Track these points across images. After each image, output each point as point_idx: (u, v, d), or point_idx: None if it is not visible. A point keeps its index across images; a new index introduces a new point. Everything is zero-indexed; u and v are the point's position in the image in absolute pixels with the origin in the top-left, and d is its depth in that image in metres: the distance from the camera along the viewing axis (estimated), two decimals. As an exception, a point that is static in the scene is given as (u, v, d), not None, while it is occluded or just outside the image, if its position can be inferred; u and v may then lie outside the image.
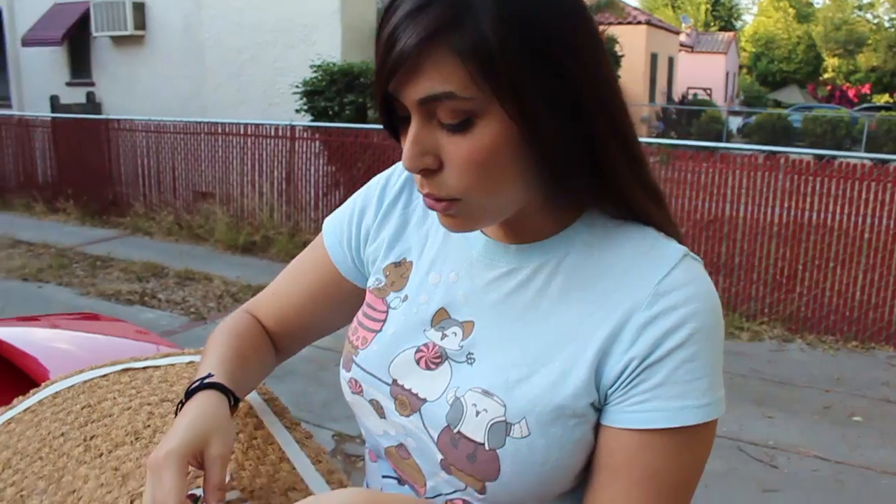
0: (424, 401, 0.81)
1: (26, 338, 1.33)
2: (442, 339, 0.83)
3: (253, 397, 1.04)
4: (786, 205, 5.68)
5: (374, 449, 0.92)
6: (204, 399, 0.83)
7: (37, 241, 7.85)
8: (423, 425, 0.81)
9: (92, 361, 1.14)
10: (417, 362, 0.83)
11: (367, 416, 0.89)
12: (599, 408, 0.78)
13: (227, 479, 0.86)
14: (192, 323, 5.47)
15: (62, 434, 0.97)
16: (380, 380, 0.86)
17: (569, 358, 0.77)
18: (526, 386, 0.77)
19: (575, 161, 0.75)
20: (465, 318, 0.83)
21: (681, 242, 0.82)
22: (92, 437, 0.94)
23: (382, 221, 0.95)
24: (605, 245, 0.81)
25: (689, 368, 0.75)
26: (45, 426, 1.00)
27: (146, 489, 0.75)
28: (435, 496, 0.83)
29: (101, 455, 0.91)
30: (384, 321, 0.89)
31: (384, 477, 0.91)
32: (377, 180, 0.98)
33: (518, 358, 0.79)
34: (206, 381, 0.85)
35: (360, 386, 0.88)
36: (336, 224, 1.00)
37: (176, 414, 0.84)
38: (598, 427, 0.79)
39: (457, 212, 0.77)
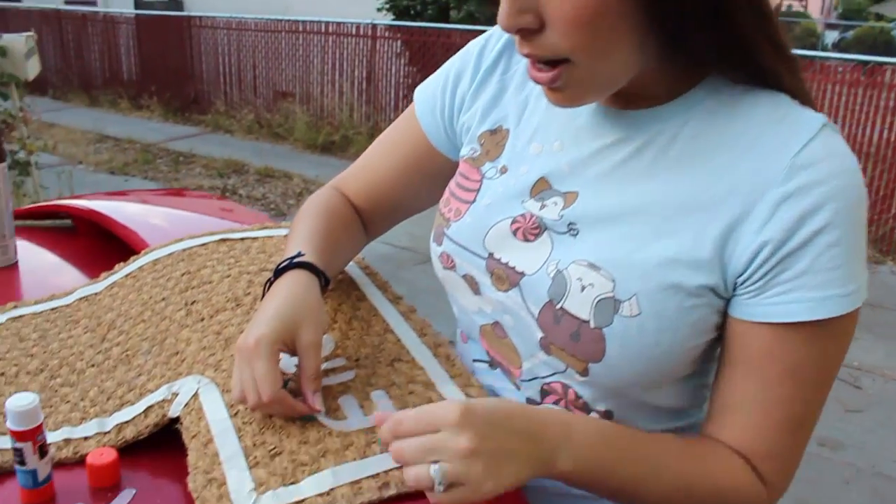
0: (523, 274, 0.76)
1: (122, 210, 1.33)
2: (541, 209, 0.77)
3: (354, 270, 1.00)
4: (887, 122, 5.31)
5: (467, 329, 0.87)
6: (294, 280, 0.79)
7: (122, 136, 8.04)
8: (523, 300, 0.76)
9: (187, 233, 1.12)
10: (514, 234, 0.78)
11: (460, 293, 0.84)
12: (725, 296, 0.71)
13: (332, 347, 0.84)
14: (271, 220, 5.55)
15: (163, 299, 0.95)
16: (474, 253, 0.81)
17: (687, 232, 0.70)
18: (638, 260, 0.71)
19: (692, 13, 0.65)
20: (569, 188, 0.77)
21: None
22: (193, 303, 0.93)
23: (479, 88, 0.88)
24: (730, 112, 0.72)
25: (832, 255, 0.67)
26: (146, 291, 0.99)
27: (234, 373, 0.72)
28: (530, 379, 0.79)
29: (202, 319, 0.89)
30: (478, 191, 0.83)
31: (475, 361, 0.87)
32: (474, 44, 0.90)
33: (628, 230, 0.72)
34: (297, 259, 0.81)
35: (452, 261, 0.83)
36: (428, 93, 0.94)
37: (264, 292, 0.81)
38: (719, 314, 0.72)
39: (564, 83, 0.68)
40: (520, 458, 0.65)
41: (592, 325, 0.71)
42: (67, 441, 0.76)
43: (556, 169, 0.78)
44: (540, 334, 0.75)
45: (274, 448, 0.69)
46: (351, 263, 1.01)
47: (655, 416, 0.79)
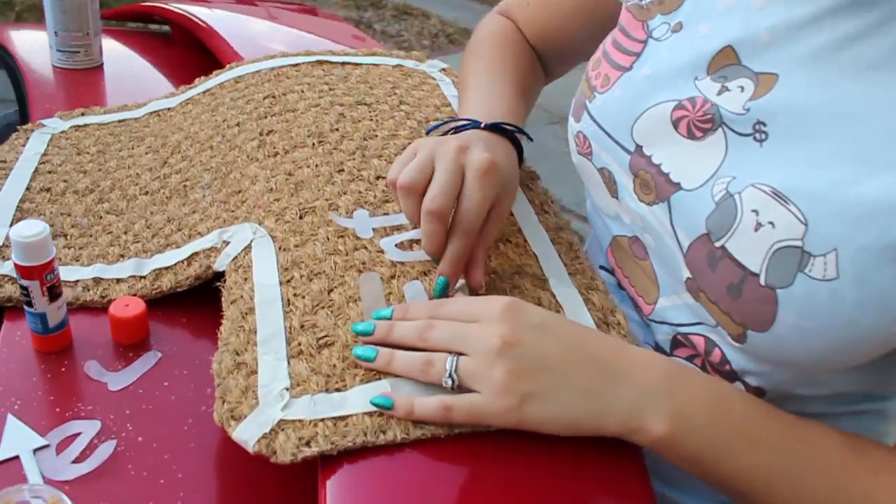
0: (678, 186, 0.53)
1: (223, 20, 1.16)
2: (719, 93, 0.52)
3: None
4: None
5: (599, 231, 0.66)
6: (497, 144, 0.62)
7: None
8: (671, 223, 0.53)
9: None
10: (675, 124, 0.54)
11: (595, 188, 0.63)
12: None
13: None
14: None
15: (238, 124, 0.79)
16: (617, 142, 0.58)
17: None
18: (850, 198, 0.45)
19: None
20: (765, 67, 0.51)
21: None
22: (269, 133, 0.76)
23: None
24: None
25: None
26: (221, 112, 0.83)
27: (443, 155, 0.56)
28: (663, 322, 0.58)
29: (275, 154, 0.72)
30: (639, 55, 0.59)
31: (600, 268, 0.66)
32: None
33: (843, 150, 0.46)
34: (504, 125, 0.64)
35: (588, 145, 0.61)
36: None
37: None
38: None
39: None
40: (578, 391, 0.46)
41: (763, 280, 0.47)
42: (97, 281, 0.63)
43: (752, 36, 0.52)
44: (686, 274, 0.53)
45: (325, 336, 0.52)
46: None
47: (824, 398, 0.56)
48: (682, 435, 0.46)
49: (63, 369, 0.57)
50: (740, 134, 0.50)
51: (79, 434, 0.52)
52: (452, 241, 0.54)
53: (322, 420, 0.46)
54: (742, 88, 0.51)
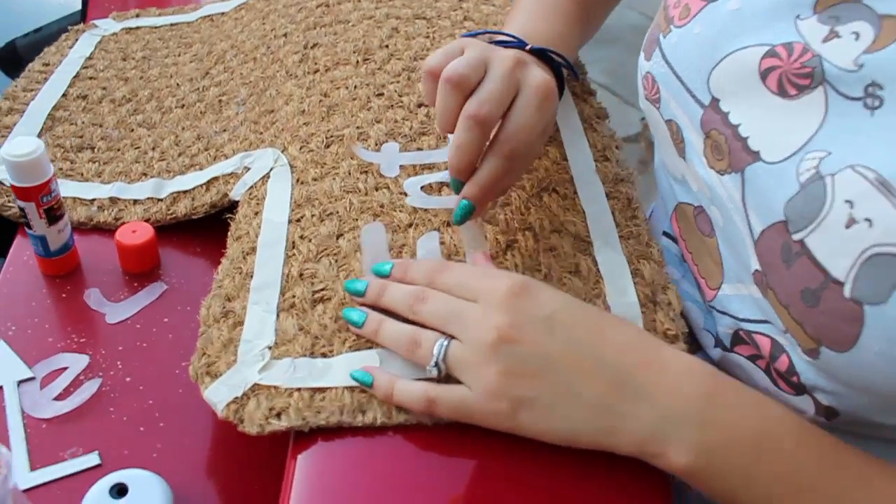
0: (756, 156, 0.41)
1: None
2: (826, 39, 0.39)
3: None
4: None
5: (664, 192, 0.56)
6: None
7: None
8: (742, 200, 0.42)
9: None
10: (763, 76, 0.41)
11: (661, 141, 0.52)
12: None
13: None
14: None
15: (285, 35, 0.72)
16: (690, 91, 0.46)
17: None
18: None
19: None
20: (890, 9, 0.38)
21: None
22: (314, 46, 0.69)
23: None
24: None
25: None
26: (271, 20, 0.76)
27: (471, 46, 0.49)
28: (723, 312, 0.48)
29: (315, 71, 0.66)
30: None
31: (663, 234, 0.55)
32: None
33: None
34: (551, 52, 0.55)
35: (657, 90, 0.50)
36: None
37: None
38: None
39: None
40: (584, 403, 0.38)
41: (848, 292, 0.36)
42: (114, 201, 0.59)
43: None
44: (755, 265, 0.42)
45: (323, 290, 0.46)
46: None
47: None
48: (710, 472, 0.37)
49: (64, 295, 0.54)
50: (846, 97, 0.38)
51: (65, 368, 0.49)
52: (489, 160, 0.46)
53: (298, 390, 0.41)
54: (857, 35, 0.38)
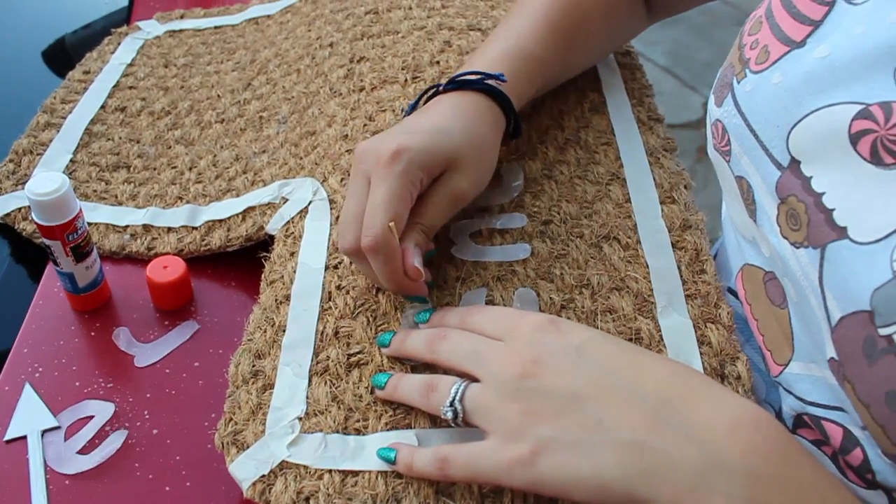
0: (842, 233, 0.35)
1: None
2: None
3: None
4: None
5: (730, 246, 0.50)
6: (473, 107, 0.49)
7: None
8: (819, 280, 0.36)
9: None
10: (854, 140, 0.35)
11: (729, 196, 0.46)
12: None
13: (518, 183, 0.53)
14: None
15: (331, 45, 0.68)
16: (765, 148, 0.40)
17: None
18: None
19: None
20: None
21: None
22: (360, 60, 0.65)
23: None
24: None
25: None
26: (317, 27, 0.72)
27: (350, 183, 0.45)
28: (788, 391, 0.42)
29: (361, 89, 0.62)
30: (817, 26, 0.39)
31: (728, 290, 0.49)
32: None
33: None
34: (462, 77, 0.50)
35: (727, 142, 0.44)
36: None
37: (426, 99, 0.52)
38: None
39: None
40: (616, 441, 0.33)
41: None
42: (147, 229, 0.57)
43: None
44: (831, 353, 0.36)
45: (359, 353, 0.43)
46: None
47: None
48: None
49: (93, 333, 0.52)
50: None
51: (91, 418, 0.47)
52: (409, 238, 0.44)
53: (329, 471, 0.38)
54: None
